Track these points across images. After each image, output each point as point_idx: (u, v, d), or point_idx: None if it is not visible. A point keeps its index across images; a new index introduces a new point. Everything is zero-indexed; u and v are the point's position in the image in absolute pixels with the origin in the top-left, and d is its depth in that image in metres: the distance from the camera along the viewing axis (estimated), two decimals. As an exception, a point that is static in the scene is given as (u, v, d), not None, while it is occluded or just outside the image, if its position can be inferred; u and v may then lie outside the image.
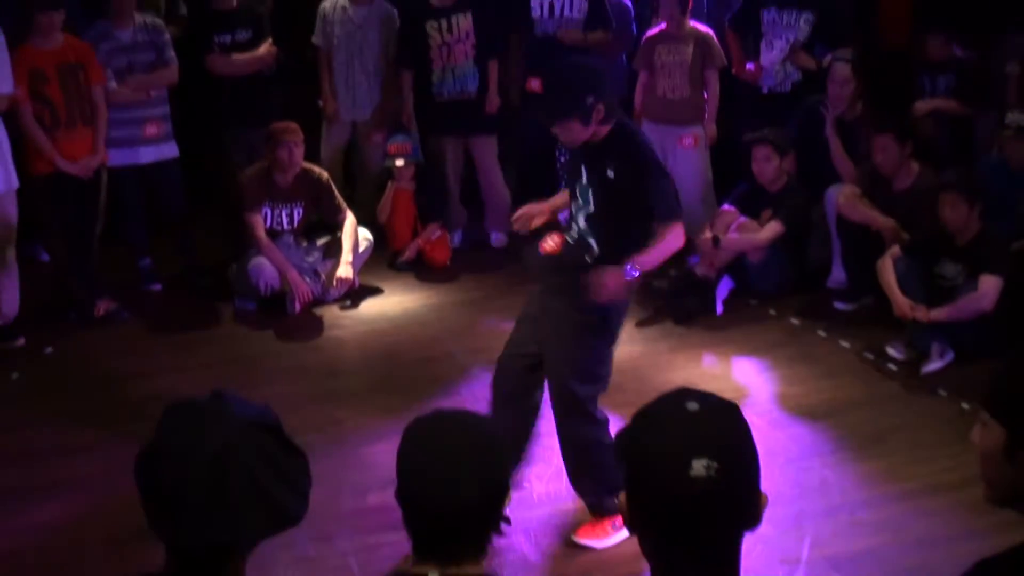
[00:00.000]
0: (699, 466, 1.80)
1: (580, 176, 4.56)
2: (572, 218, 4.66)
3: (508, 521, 2.31)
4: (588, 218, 4.55)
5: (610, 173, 4.42)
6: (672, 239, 4.46)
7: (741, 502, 1.86)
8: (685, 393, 1.93)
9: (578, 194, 4.58)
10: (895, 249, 6.53)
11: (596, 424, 4.60)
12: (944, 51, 7.70)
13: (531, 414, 4.90)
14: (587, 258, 4.53)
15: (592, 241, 4.54)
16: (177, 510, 1.94)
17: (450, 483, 2.22)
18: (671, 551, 1.88)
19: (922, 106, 7.63)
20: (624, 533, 4.51)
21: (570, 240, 4.67)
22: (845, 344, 6.64)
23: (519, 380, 4.80)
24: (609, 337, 4.65)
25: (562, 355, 4.59)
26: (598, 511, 4.69)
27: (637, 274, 4.40)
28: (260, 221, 7.24)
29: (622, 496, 1.93)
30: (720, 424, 1.88)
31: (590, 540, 4.69)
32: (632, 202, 4.41)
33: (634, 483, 1.89)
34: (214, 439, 1.96)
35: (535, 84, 8.22)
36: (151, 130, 7.39)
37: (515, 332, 4.86)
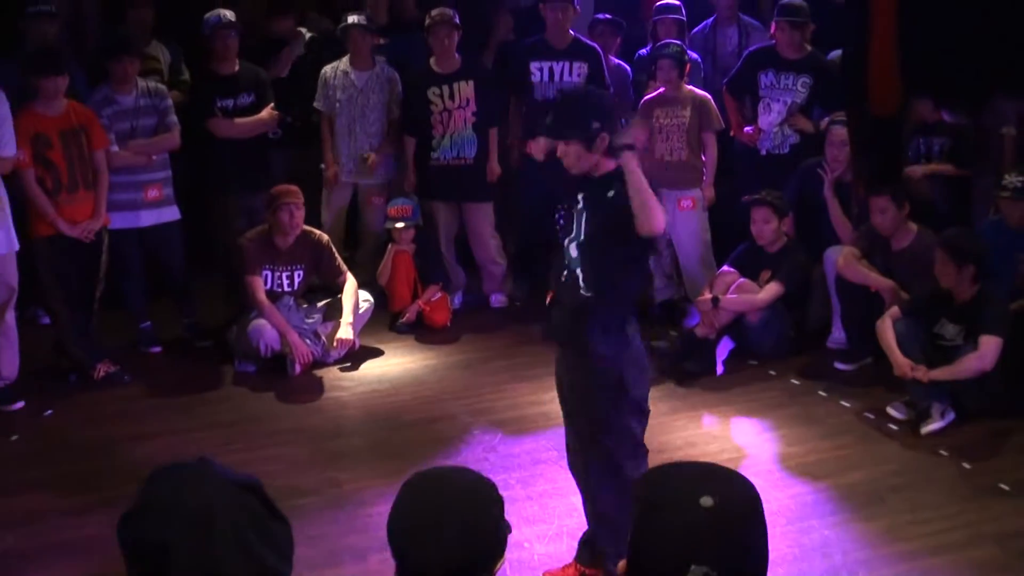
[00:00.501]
0: (698, 572, 1.78)
1: (576, 203, 4.49)
2: (564, 254, 4.55)
3: None
4: (579, 247, 4.46)
5: (610, 194, 4.35)
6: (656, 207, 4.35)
7: None
8: (705, 481, 1.89)
9: (573, 223, 4.49)
10: (894, 310, 6.54)
11: (624, 484, 4.41)
12: (934, 115, 7.77)
13: None
14: (581, 293, 4.45)
15: (579, 272, 4.45)
16: (163, 567, 1.91)
17: (434, 541, 2.23)
18: None
19: (919, 169, 7.68)
20: None
21: (562, 279, 4.56)
22: (846, 404, 6.64)
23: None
24: (631, 389, 4.50)
25: (590, 415, 4.53)
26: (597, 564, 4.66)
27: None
28: (260, 283, 7.27)
29: (621, 565, 1.91)
30: (731, 528, 1.84)
31: None
32: (625, 219, 4.31)
33: (635, 561, 1.87)
34: (200, 497, 1.95)
35: (534, 148, 8.28)
36: (152, 193, 7.42)
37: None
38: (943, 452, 6.02)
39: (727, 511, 1.84)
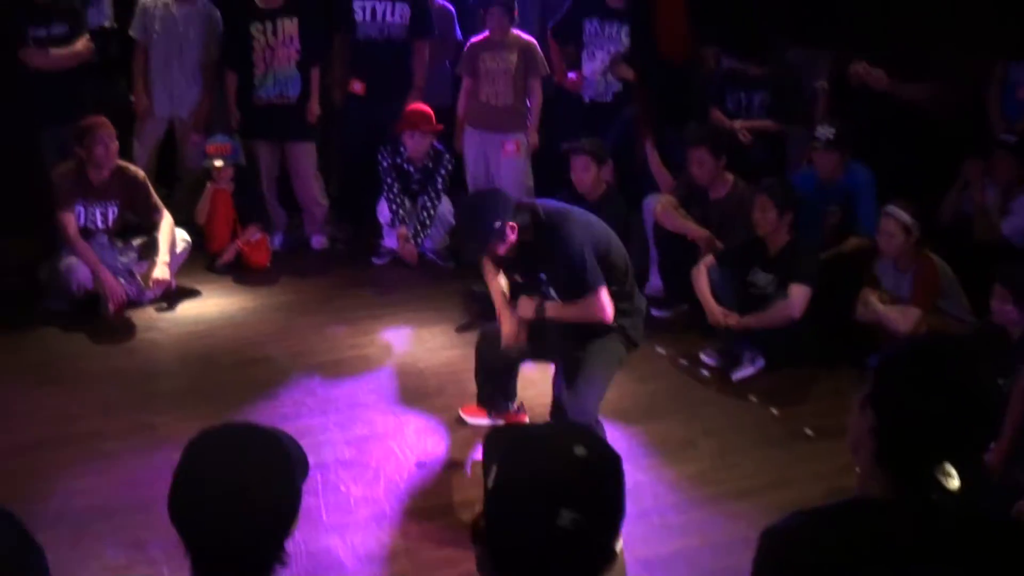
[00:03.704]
0: (568, 517, 1.79)
1: (524, 279, 5.23)
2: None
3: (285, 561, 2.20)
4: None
5: (543, 276, 5.06)
6: (590, 305, 4.97)
7: (598, 554, 1.86)
8: (577, 434, 1.91)
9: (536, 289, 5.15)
10: (709, 258, 6.69)
11: None
12: (714, 62, 7.93)
13: None
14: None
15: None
16: None
17: (225, 514, 2.11)
18: None
19: (740, 125, 7.77)
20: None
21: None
22: (661, 350, 6.76)
23: None
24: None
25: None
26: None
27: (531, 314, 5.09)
28: (73, 219, 7.04)
29: (477, 513, 1.91)
30: (600, 478, 1.87)
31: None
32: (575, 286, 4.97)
33: (496, 507, 1.87)
34: None
35: (357, 87, 8.21)
36: (-43, 125, 7.14)
37: None
38: (753, 398, 6.20)
39: (598, 462, 1.86)
